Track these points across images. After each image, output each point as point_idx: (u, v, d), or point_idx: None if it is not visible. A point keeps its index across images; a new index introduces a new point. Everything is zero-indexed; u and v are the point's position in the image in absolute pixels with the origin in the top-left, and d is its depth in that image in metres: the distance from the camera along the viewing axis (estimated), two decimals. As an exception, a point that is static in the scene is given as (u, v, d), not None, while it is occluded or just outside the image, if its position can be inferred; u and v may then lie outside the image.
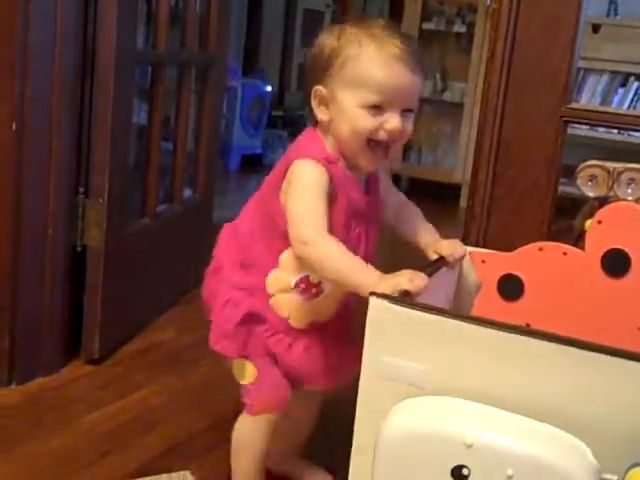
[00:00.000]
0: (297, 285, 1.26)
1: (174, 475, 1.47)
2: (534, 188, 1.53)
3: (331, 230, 1.18)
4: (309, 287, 1.27)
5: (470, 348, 0.99)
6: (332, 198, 1.20)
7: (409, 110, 1.21)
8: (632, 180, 1.37)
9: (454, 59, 4.77)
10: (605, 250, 1.25)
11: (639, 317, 1.25)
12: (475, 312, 1.31)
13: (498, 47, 1.52)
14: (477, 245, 1.44)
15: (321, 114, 1.23)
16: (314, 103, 1.23)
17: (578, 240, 1.32)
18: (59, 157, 1.76)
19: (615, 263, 1.24)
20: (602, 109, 2.53)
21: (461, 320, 1.00)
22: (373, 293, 1.04)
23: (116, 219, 1.93)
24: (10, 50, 1.63)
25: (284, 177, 1.23)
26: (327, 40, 1.22)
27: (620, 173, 1.37)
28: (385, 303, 1.03)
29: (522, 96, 1.52)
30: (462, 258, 1.33)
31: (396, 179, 4.95)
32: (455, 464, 0.94)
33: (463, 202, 4.45)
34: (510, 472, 0.91)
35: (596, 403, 0.93)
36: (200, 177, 2.58)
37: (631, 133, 3.74)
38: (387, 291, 1.06)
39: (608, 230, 1.25)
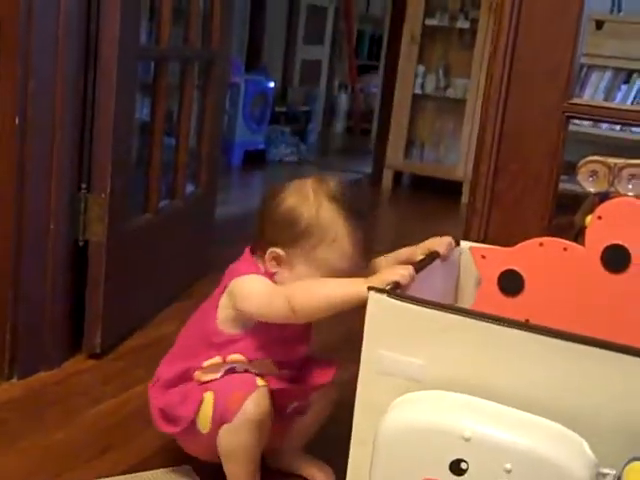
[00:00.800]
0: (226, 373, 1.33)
1: (175, 469, 1.48)
2: (535, 183, 1.53)
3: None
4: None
5: (468, 342, 1.00)
6: None
7: None
8: (633, 176, 1.37)
9: (457, 55, 4.77)
10: (605, 245, 1.25)
11: (639, 312, 1.25)
12: (475, 307, 1.31)
13: (501, 41, 1.52)
14: (478, 240, 1.44)
15: (271, 267, 1.30)
16: (267, 258, 1.29)
17: (578, 236, 1.32)
18: (62, 152, 1.77)
19: (615, 258, 1.25)
20: (604, 104, 2.53)
21: (459, 314, 1.00)
22: (372, 287, 1.05)
23: (118, 214, 1.94)
24: (13, 46, 1.63)
25: (223, 289, 1.33)
26: (303, 209, 1.27)
27: (621, 169, 1.37)
28: (384, 297, 1.03)
29: (524, 91, 1.52)
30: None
31: (398, 175, 4.96)
32: (453, 458, 0.95)
33: (465, 199, 4.45)
34: (508, 466, 0.92)
35: (594, 397, 0.94)
36: (203, 173, 2.59)
37: (633, 129, 3.73)
38: (376, 284, 1.08)
39: (608, 226, 1.25)
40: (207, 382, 1.33)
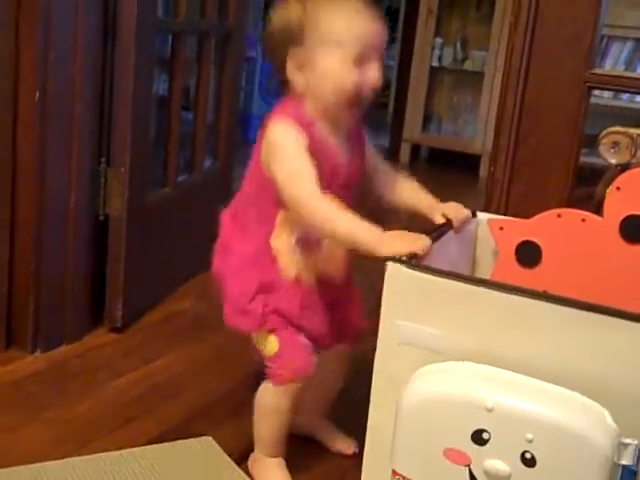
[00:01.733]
0: (298, 242, 1.27)
1: (196, 440, 1.50)
2: (556, 155, 1.52)
3: None
4: (310, 242, 1.27)
5: (487, 313, 1.00)
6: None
7: (378, 61, 1.24)
8: (655, 147, 1.36)
9: (475, 27, 4.72)
10: (624, 216, 1.24)
11: (659, 283, 1.25)
12: (493, 278, 1.31)
13: (522, 12, 1.51)
14: (498, 212, 1.43)
15: (298, 79, 1.24)
16: (290, 69, 1.25)
17: (599, 207, 1.31)
18: (81, 126, 1.77)
19: (633, 229, 1.24)
20: (626, 74, 2.50)
21: (478, 285, 1.00)
22: (389, 258, 1.05)
23: (138, 188, 1.95)
24: (33, 20, 1.63)
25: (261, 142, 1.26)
26: (291, 11, 1.24)
27: (643, 139, 1.36)
28: (403, 268, 1.04)
29: (545, 61, 1.51)
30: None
31: (416, 149, 4.93)
32: (475, 428, 0.95)
33: (483, 172, 4.42)
34: (530, 436, 0.92)
35: (616, 368, 0.94)
36: (220, 147, 2.58)
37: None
38: (391, 254, 1.07)
39: (627, 196, 1.25)
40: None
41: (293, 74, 1.25)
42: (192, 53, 2.46)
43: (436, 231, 1.24)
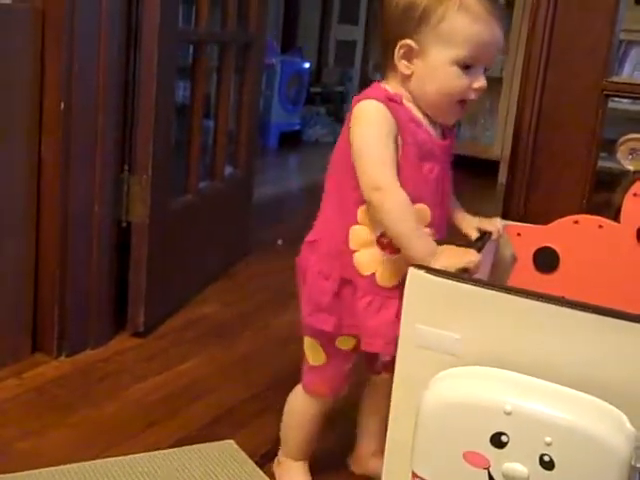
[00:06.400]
0: (379, 239, 1.20)
1: (219, 443, 1.52)
2: (574, 162, 1.53)
3: (399, 173, 1.15)
4: (392, 241, 1.19)
5: (505, 318, 1.01)
6: (399, 139, 1.17)
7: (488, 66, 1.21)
8: (673, 153, 1.37)
9: (493, 33, 4.71)
10: (641, 223, 1.25)
11: (676, 289, 1.26)
12: (511, 284, 1.32)
13: (539, 18, 1.52)
14: (517, 218, 1.45)
15: (403, 68, 1.19)
16: (398, 56, 1.18)
17: (617, 214, 1.32)
18: (105, 134, 1.80)
19: (651, 235, 1.25)
20: (643, 82, 2.50)
21: (496, 290, 1.01)
22: (414, 265, 1.07)
23: (160, 195, 1.98)
24: (57, 32, 1.67)
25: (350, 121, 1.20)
26: None
27: (661, 146, 1.37)
28: (423, 273, 1.05)
29: (563, 68, 1.52)
30: (500, 232, 1.35)
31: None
32: (494, 431, 0.96)
33: (501, 178, 4.42)
34: (548, 439, 0.93)
35: (634, 372, 0.95)
36: (241, 154, 2.61)
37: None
38: (441, 268, 1.07)
39: (644, 203, 1.26)
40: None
41: (398, 61, 1.19)
42: (213, 61, 2.49)
43: (478, 243, 1.25)
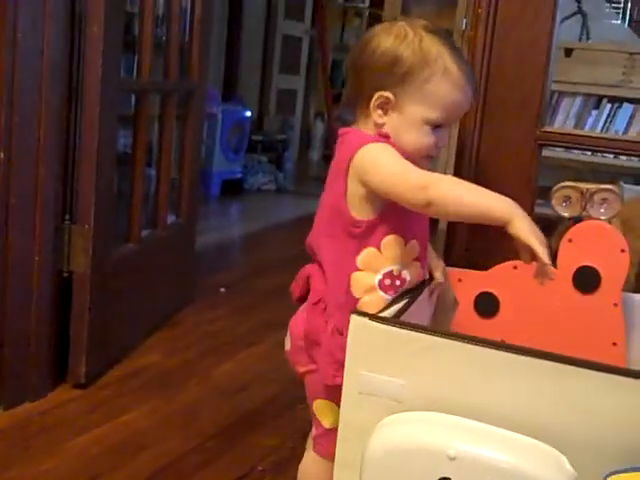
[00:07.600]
0: (381, 283, 1.21)
1: (163, 496, 1.50)
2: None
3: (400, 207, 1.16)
4: (394, 281, 1.21)
5: (448, 363, 1.02)
6: None
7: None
8: (604, 200, 1.41)
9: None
10: (576, 267, 1.29)
11: (612, 333, 1.29)
12: (453, 329, 1.34)
13: (474, 69, 1.57)
14: (457, 264, 1.48)
15: (377, 117, 1.21)
16: (374, 105, 1.20)
17: (554, 259, 1.36)
18: (45, 184, 1.79)
19: (586, 280, 1.29)
20: (574, 132, 2.59)
21: (437, 336, 1.03)
22: (354, 312, 1.08)
23: (102, 244, 1.96)
24: (-3, 81, 1.66)
25: (346, 171, 1.20)
26: (405, 45, 1.19)
27: (593, 194, 1.41)
28: (365, 320, 1.06)
29: (498, 120, 1.57)
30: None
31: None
32: (440, 476, 0.97)
33: (442, 224, 4.48)
34: (492, 483, 0.95)
35: (573, 415, 0.97)
36: (183, 202, 2.61)
37: (604, 154, 3.81)
38: (527, 223, 1.07)
39: (578, 248, 1.30)
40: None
41: (375, 110, 1.21)
42: (155, 110, 2.49)
43: (422, 287, 1.27)
